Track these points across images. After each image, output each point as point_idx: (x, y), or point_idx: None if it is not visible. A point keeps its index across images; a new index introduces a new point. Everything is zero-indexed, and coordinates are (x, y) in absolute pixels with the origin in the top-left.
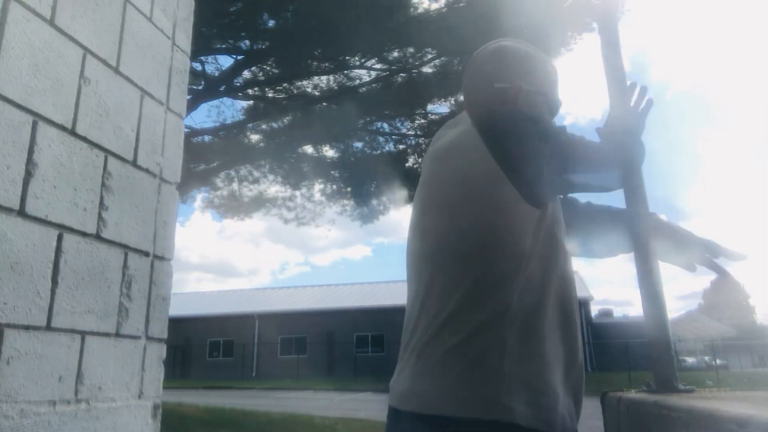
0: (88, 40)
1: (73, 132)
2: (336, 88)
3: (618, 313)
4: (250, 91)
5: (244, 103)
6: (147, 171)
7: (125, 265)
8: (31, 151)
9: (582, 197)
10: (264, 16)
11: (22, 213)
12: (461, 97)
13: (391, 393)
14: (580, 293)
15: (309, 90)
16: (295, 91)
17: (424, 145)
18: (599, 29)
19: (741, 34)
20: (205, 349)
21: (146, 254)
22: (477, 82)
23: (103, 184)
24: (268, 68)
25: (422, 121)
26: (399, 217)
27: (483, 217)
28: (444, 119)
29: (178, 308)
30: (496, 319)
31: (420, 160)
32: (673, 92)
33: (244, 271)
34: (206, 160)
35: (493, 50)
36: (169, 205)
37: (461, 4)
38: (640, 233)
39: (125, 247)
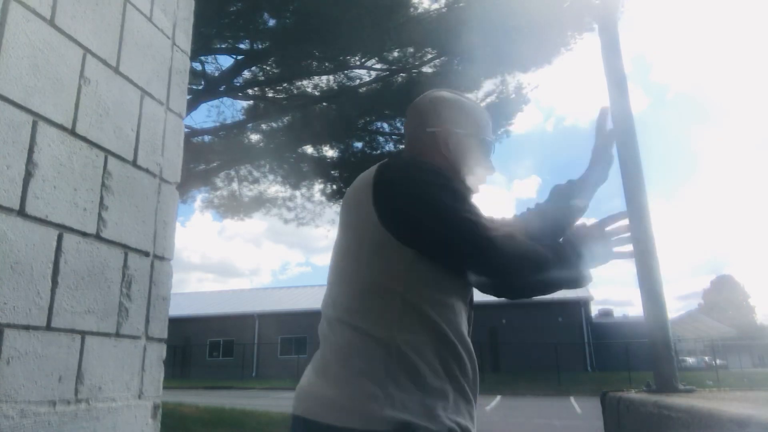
0: (88, 40)
1: (73, 132)
2: (336, 88)
3: (618, 313)
4: (250, 91)
5: (244, 103)
6: (147, 171)
7: (125, 265)
8: (31, 151)
9: None
10: (264, 16)
11: (22, 213)
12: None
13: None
14: (580, 293)
15: (309, 90)
16: (295, 91)
17: None
18: (599, 30)
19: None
20: (205, 349)
21: (146, 254)
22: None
23: (103, 184)
24: (268, 68)
25: None
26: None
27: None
28: None
29: (178, 308)
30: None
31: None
32: (673, 93)
33: (245, 271)
34: (206, 160)
35: (427, 100)
36: (169, 205)
37: (461, 4)
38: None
39: (125, 247)
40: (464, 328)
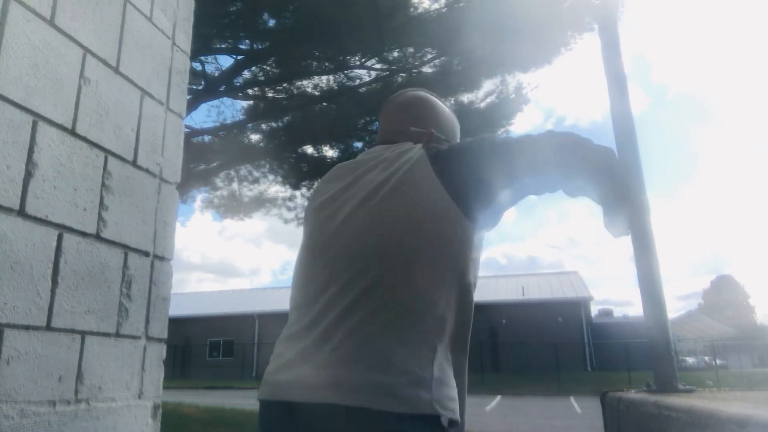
0: (88, 40)
1: (73, 132)
2: (336, 88)
3: (618, 313)
4: (250, 91)
5: (244, 103)
6: (147, 171)
7: (125, 265)
8: (31, 151)
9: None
10: (264, 16)
11: (22, 213)
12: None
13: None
14: (580, 293)
15: (309, 90)
16: (295, 91)
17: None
18: (599, 30)
19: (742, 35)
20: (205, 349)
21: (146, 254)
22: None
23: (103, 184)
24: (268, 68)
25: None
26: None
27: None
28: None
29: (178, 308)
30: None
31: None
32: (673, 93)
33: (246, 271)
34: (206, 160)
35: (412, 96)
36: (169, 205)
37: (461, 4)
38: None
39: (125, 247)
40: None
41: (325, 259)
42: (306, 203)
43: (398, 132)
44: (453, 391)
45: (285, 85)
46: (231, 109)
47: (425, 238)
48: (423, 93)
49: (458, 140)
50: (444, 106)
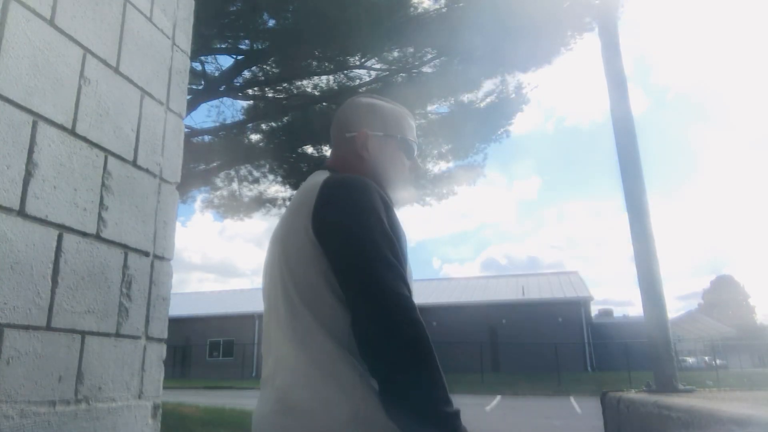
0: (88, 40)
1: (73, 132)
2: (336, 88)
3: (618, 313)
4: (250, 91)
5: (244, 103)
6: (147, 171)
7: (125, 265)
8: (31, 151)
9: None
10: (264, 16)
11: (22, 213)
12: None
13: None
14: (580, 293)
15: (309, 90)
16: (295, 91)
17: (423, 145)
18: (599, 30)
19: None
20: (205, 349)
21: (146, 254)
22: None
23: (103, 184)
24: (268, 68)
25: (422, 121)
26: (399, 217)
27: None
28: (444, 119)
29: (178, 308)
30: None
31: (420, 160)
32: (673, 94)
33: (246, 271)
34: (206, 160)
35: (342, 107)
36: (169, 205)
37: (461, 4)
38: None
39: (125, 247)
40: None
41: (267, 302)
42: None
43: (335, 146)
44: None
45: (285, 85)
46: (231, 109)
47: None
48: (356, 99)
49: (407, 132)
50: (381, 104)
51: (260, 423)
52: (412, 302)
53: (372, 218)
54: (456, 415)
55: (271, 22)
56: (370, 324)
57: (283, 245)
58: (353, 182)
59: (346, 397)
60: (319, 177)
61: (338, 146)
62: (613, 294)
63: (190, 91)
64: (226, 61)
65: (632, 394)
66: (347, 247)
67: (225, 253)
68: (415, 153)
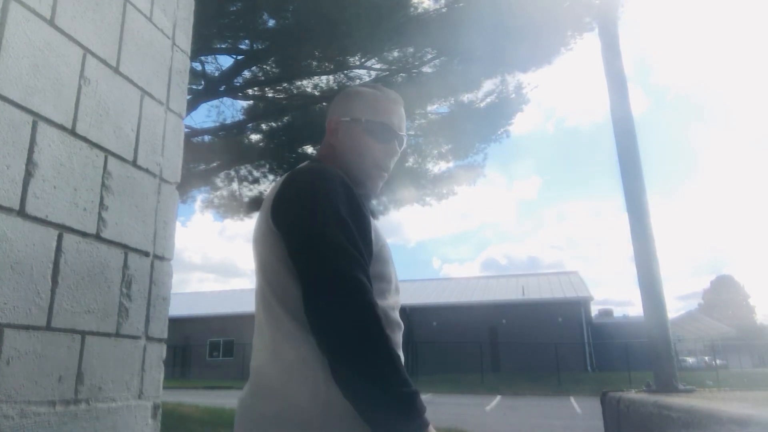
0: (88, 40)
1: (73, 132)
2: (336, 88)
3: (618, 313)
4: (250, 91)
5: (244, 103)
6: (147, 171)
7: (125, 265)
8: (31, 151)
9: None
10: (264, 16)
11: (22, 213)
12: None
13: None
14: (580, 293)
15: (309, 90)
16: (295, 91)
17: (423, 146)
18: (599, 30)
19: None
20: (205, 349)
21: (146, 254)
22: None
23: (103, 184)
24: (268, 68)
25: (422, 121)
26: (399, 217)
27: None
28: (444, 119)
29: (178, 308)
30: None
31: (420, 160)
32: (673, 94)
33: (247, 271)
34: (206, 160)
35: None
36: (169, 205)
37: (461, 4)
38: None
39: (125, 247)
40: None
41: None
42: None
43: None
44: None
45: (285, 85)
46: (231, 109)
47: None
48: (348, 87)
49: (384, 116)
50: (359, 90)
51: (239, 405)
52: (361, 284)
53: (324, 203)
54: (413, 394)
55: (271, 22)
56: (316, 305)
57: (254, 237)
58: (311, 170)
59: (309, 378)
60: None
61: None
62: (613, 294)
63: (190, 91)
64: (226, 61)
65: (632, 394)
66: (298, 232)
67: (225, 253)
68: (392, 136)
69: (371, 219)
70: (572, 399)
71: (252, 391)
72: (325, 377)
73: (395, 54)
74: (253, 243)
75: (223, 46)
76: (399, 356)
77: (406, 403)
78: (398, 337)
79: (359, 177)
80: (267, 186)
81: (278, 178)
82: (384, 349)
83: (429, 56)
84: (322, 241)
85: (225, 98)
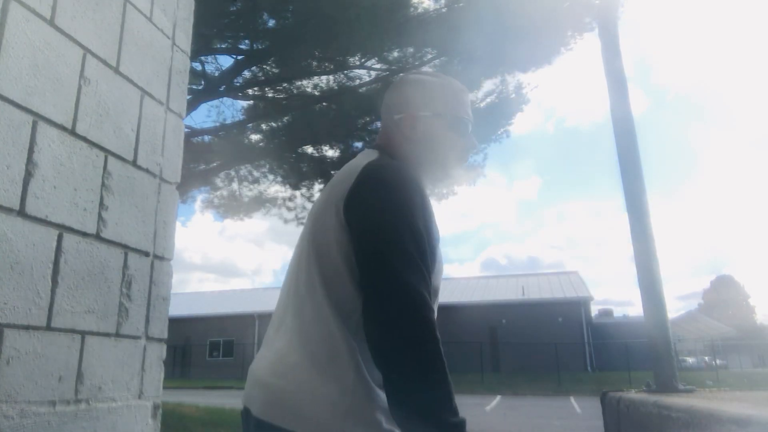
0: (88, 40)
1: (73, 132)
2: (336, 88)
3: (618, 313)
4: (250, 91)
5: (244, 103)
6: (147, 171)
7: (125, 265)
8: (31, 151)
9: None
10: (264, 16)
11: (22, 213)
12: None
13: None
14: (580, 293)
15: (309, 90)
16: (295, 91)
17: None
18: (599, 31)
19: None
20: (205, 349)
21: (146, 254)
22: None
23: (103, 184)
24: (268, 68)
25: None
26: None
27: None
28: None
29: (178, 308)
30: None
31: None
32: (674, 95)
33: (247, 272)
34: (206, 160)
35: (393, 86)
36: (169, 205)
37: (461, 4)
38: None
39: (125, 247)
40: None
41: (290, 271)
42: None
43: (384, 126)
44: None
45: (285, 85)
46: (231, 109)
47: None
48: (405, 77)
49: (460, 109)
50: (431, 80)
51: (253, 381)
52: (427, 301)
53: (403, 212)
54: (459, 425)
55: (271, 22)
56: (379, 316)
57: (314, 220)
58: (393, 172)
59: (336, 385)
60: (365, 159)
61: (388, 127)
62: (613, 294)
63: (190, 91)
64: (226, 61)
65: (632, 394)
66: (372, 237)
67: (225, 254)
68: (470, 129)
69: (438, 230)
70: (572, 399)
71: (276, 371)
72: (353, 388)
73: (395, 54)
74: (311, 223)
75: (223, 46)
76: (451, 383)
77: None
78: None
79: (440, 174)
80: (267, 186)
81: (347, 166)
82: (440, 373)
83: (429, 56)
84: (395, 253)
85: (225, 98)
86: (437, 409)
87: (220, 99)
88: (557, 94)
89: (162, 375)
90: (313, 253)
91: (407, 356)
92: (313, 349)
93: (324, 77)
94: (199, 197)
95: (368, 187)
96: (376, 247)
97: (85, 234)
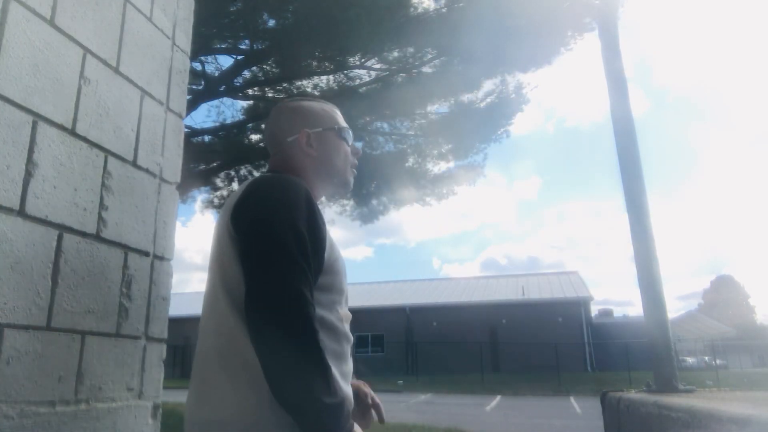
0: (88, 40)
1: (73, 132)
2: (336, 88)
3: (618, 313)
4: (250, 91)
5: (244, 103)
6: (147, 171)
7: (125, 265)
8: (31, 151)
9: None
10: (264, 16)
11: (22, 213)
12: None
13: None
14: (580, 293)
15: (309, 90)
16: (295, 91)
17: (423, 146)
18: (599, 31)
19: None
20: None
21: (146, 254)
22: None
23: (103, 184)
24: (268, 68)
25: (422, 121)
26: (400, 217)
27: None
28: (444, 119)
29: (178, 308)
30: None
31: (420, 160)
32: (674, 96)
33: None
34: (206, 160)
35: (278, 114)
36: (169, 205)
37: (461, 4)
38: None
39: (125, 247)
40: None
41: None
42: None
43: (274, 153)
44: None
45: (285, 85)
46: (231, 109)
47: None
48: (280, 106)
49: (340, 121)
50: (309, 103)
51: (186, 411)
52: (303, 296)
53: (286, 214)
54: (336, 405)
55: (271, 22)
56: (257, 309)
57: (213, 241)
58: (277, 180)
59: (255, 384)
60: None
61: (281, 151)
62: (613, 294)
63: (190, 91)
64: (226, 61)
65: (632, 394)
66: (255, 237)
67: None
68: (351, 138)
69: (327, 233)
70: (572, 399)
71: (198, 397)
72: (259, 386)
73: (395, 54)
74: (212, 247)
75: (223, 46)
76: (329, 367)
77: (327, 413)
78: (346, 349)
79: (342, 179)
80: None
81: (241, 185)
82: (315, 358)
83: (429, 56)
84: (275, 249)
85: (225, 98)
86: (314, 392)
87: (220, 99)
88: (557, 94)
89: (162, 375)
90: (215, 270)
91: (283, 346)
92: (226, 364)
93: (324, 77)
94: (199, 197)
95: (253, 196)
96: (259, 247)
97: (85, 234)
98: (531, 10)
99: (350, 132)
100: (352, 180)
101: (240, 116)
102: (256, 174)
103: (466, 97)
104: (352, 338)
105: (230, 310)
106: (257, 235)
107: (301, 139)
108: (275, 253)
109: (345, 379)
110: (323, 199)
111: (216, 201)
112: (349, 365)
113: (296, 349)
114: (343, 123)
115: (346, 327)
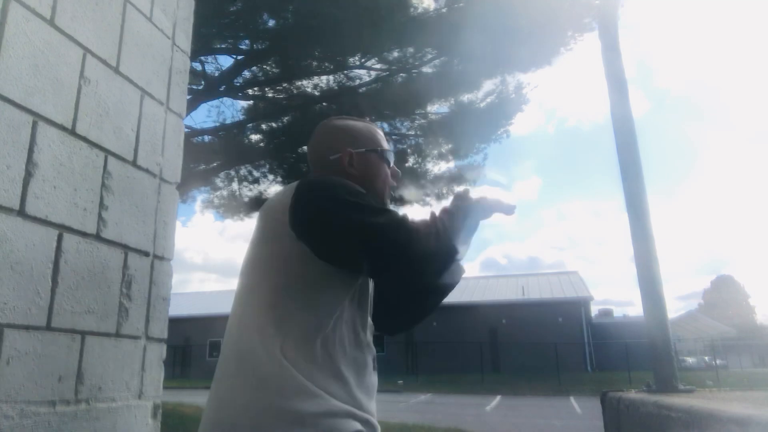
0: (88, 40)
1: (73, 132)
2: (336, 88)
3: (618, 313)
4: (250, 91)
5: (244, 103)
6: (147, 171)
7: (125, 265)
8: (31, 151)
9: None
10: (264, 16)
11: (22, 213)
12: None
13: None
14: (580, 293)
15: (309, 90)
16: (295, 91)
17: (423, 146)
18: (599, 31)
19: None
20: (205, 349)
21: (146, 254)
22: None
23: (103, 184)
24: (268, 68)
25: (422, 121)
26: None
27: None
28: (444, 119)
29: (178, 308)
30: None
31: (420, 160)
32: (674, 96)
33: None
34: (206, 160)
35: (323, 132)
36: (169, 205)
37: (461, 4)
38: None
39: (125, 247)
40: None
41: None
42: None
43: (317, 169)
44: None
45: (285, 85)
46: (231, 109)
47: None
48: (327, 123)
49: (383, 143)
50: (355, 123)
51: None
52: (404, 218)
53: (340, 192)
54: (458, 251)
55: (271, 22)
56: (393, 248)
57: (257, 245)
58: (327, 177)
59: (251, 389)
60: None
61: (321, 168)
62: (613, 294)
63: (190, 91)
64: (226, 61)
65: (632, 394)
66: (330, 222)
67: (227, 254)
68: (393, 160)
69: None
70: (572, 399)
71: (212, 398)
72: (278, 388)
73: (395, 54)
74: (251, 255)
75: (223, 46)
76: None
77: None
78: (369, 360)
79: (380, 201)
80: (267, 186)
81: (282, 189)
82: (447, 234)
83: (429, 56)
84: (356, 210)
85: (225, 98)
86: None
87: (220, 99)
88: (557, 94)
89: (162, 375)
90: (257, 274)
91: (424, 243)
92: (241, 365)
93: (324, 77)
94: (199, 197)
95: (306, 191)
96: (343, 223)
97: (85, 234)
98: (531, 10)
99: (392, 154)
100: (389, 202)
101: (240, 116)
102: (256, 174)
103: (466, 97)
104: (374, 350)
105: (259, 312)
106: (334, 218)
107: (343, 158)
108: (362, 211)
109: (369, 394)
110: None
111: (216, 201)
112: (374, 379)
113: (430, 239)
114: (386, 145)
115: (370, 337)
